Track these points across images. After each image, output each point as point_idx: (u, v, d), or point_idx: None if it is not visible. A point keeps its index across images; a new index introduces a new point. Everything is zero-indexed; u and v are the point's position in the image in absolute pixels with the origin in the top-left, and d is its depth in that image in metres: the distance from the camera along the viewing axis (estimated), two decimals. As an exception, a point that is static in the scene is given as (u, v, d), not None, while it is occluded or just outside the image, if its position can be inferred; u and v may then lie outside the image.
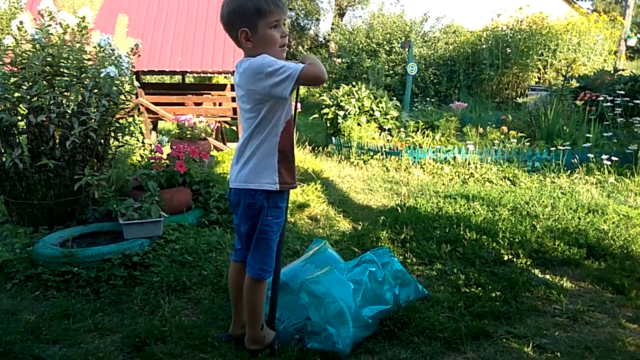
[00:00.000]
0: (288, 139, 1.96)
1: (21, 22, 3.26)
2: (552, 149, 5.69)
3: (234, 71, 7.61)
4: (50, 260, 2.73)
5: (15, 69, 3.26)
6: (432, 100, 12.05)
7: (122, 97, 3.61)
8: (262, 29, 1.82)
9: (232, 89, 8.39)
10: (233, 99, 7.62)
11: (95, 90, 3.36)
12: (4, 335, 2.17)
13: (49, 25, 3.31)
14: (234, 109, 7.53)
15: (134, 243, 2.92)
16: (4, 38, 3.29)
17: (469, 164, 5.68)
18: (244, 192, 1.95)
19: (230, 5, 1.83)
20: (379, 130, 7.17)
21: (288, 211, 2.27)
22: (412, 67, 10.30)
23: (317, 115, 7.59)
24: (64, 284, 2.66)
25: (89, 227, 3.27)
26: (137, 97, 6.64)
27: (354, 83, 7.71)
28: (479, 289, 2.68)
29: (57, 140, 3.38)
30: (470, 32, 14.71)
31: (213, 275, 2.79)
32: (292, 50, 24.04)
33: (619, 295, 2.70)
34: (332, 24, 23.22)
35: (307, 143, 6.92)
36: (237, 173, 1.97)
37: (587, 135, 5.99)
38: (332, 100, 7.37)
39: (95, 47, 3.51)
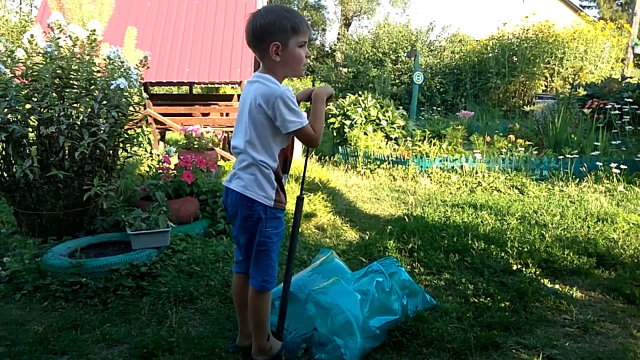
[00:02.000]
0: (285, 163, 2.00)
1: (32, 35, 3.31)
2: (560, 157, 5.66)
3: (240, 82, 7.66)
4: (58, 270, 2.75)
5: (26, 81, 3.31)
6: (439, 109, 12.06)
7: (131, 108, 3.65)
8: (292, 46, 1.89)
9: (239, 99, 8.45)
10: (240, 109, 7.66)
11: (105, 102, 3.40)
12: (13, 346, 2.18)
13: (59, 38, 3.36)
14: (241, 119, 7.56)
15: (141, 253, 2.93)
16: (16, 51, 3.34)
17: (477, 172, 5.66)
18: (241, 203, 1.94)
19: (265, 19, 1.88)
20: (386, 140, 7.18)
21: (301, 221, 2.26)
22: (418, 76, 10.33)
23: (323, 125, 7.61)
24: (72, 294, 2.67)
25: (97, 238, 3.29)
26: (145, 108, 6.70)
27: (360, 92, 7.74)
28: (488, 299, 2.66)
29: (67, 152, 3.41)
30: (477, 40, 14.75)
31: (220, 285, 2.79)
32: (298, 60, 24.16)
33: (630, 305, 2.66)
34: (338, 34, 23.36)
35: (313, 152, 6.94)
36: (236, 177, 1.96)
37: (596, 143, 5.96)
38: (338, 109, 7.39)
39: (104, 59, 3.55)
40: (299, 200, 2.18)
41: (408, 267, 3.11)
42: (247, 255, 2.05)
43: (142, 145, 3.82)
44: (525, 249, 3.26)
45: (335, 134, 7.40)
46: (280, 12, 1.89)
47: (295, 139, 2.05)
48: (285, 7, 1.96)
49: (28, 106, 3.26)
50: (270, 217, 1.95)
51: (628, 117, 6.50)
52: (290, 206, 4.30)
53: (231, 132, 8.08)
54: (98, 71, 3.51)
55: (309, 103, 2.11)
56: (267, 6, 1.96)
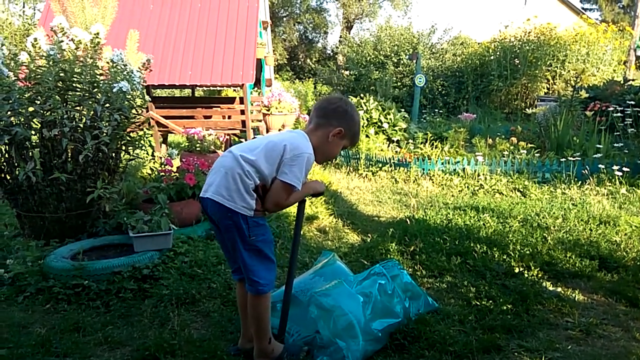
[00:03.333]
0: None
1: (35, 39, 3.33)
2: (563, 159, 5.65)
3: (242, 84, 7.67)
4: (61, 273, 2.75)
5: (30, 84, 3.33)
6: (441, 111, 12.06)
7: (134, 111, 3.66)
8: (343, 142, 2.12)
9: (241, 102, 8.46)
10: (242, 112, 7.68)
11: (107, 105, 3.41)
12: (16, 349, 2.18)
13: (62, 42, 3.38)
14: (243, 122, 7.59)
15: (143, 256, 2.94)
16: (19, 54, 3.36)
17: (479, 175, 5.65)
18: (220, 213, 1.94)
19: (354, 110, 2.12)
20: (388, 142, 7.18)
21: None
22: (420, 78, 10.33)
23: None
24: (74, 296, 2.68)
25: (100, 240, 3.30)
26: (147, 111, 6.72)
27: (362, 95, 7.74)
28: (490, 301, 2.66)
29: (70, 154, 3.43)
30: (478, 43, 14.75)
31: (222, 288, 2.80)
32: (300, 62, 24.22)
33: (632, 308, 2.65)
34: (340, 36, 23.40)
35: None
36: (215, 186, 1.95)
37: (598, 145, 5.95)
38: (340, 112, 7.38)
39: (107, 62, 3.57)
40: (301, 203, 2.18)
41: (410, 269, 3.10)
42: (238, 262, 2.04)
43: (144, 147, 3.83)
44: (528, 252, 3.25)
45: (337, 136, 7.39)
46: (359, 119, 2.16)
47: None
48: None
49: (31, 109, 3.27)
50: (253, 225, 1.95)
51: (630, 119, 6.49)
52: (292, 209, 4.29)
53: (233, 134, 8.11)
54: (101, 74, 3.52)
55: None
56: (353, 104, 2.16)
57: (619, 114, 6.59)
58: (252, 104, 8.71)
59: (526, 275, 3.00)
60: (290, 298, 2.18)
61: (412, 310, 2.45)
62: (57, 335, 2.31)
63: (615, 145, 6.02)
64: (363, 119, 7.14)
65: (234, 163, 1.95)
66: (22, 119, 3.25)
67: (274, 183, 1.97)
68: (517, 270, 3.07)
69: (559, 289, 2.87)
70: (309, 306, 2.21)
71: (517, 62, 11.87)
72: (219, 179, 1.96)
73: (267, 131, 7.84)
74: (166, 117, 7.32)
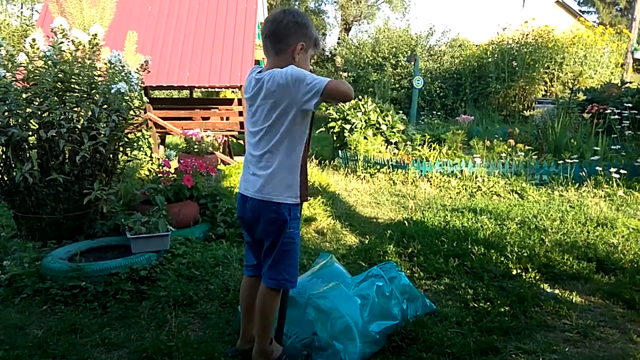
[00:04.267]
0: (305, 153, 1.99)
1: (34, 40, 3.32)
2: (560, 162, 5.67)
3: (241, 86, 7.67)
4: (58, 274, 2.75)
5: (27, 85, 3.32)
6: (439, 113, 12.07)
7: (132, 112, 3.65)
8: (308, 54, 1.99)
9: (239, 104, 8.46)
10: (240, 113, 7.68)
11: (105, 106, 3.40)
12: (12, 350, 2.17)
13: (61, 43, 3.37)
14: (241, 123, 7.58)
15: (141, 257, 2.93)
16: (17, 55, 3.35)
17: (476, 177, 5.66)
18: (265, 208, 1.93)
19: (300, 18, 1.95)
20: (386, 144, 7.18)
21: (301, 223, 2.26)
22: (418, 80, 10.35)
23: (323, 129, 7.63)
24: (71, 298, 2.67)
25: (97, 242, 3.29)
26: (145, 112, 6.71)
27: (360, 97, 7.74)
28: (488, 303, 2.66)
29: (67, 155, 3.42)
30: (476, 45, 14.78)
31: (220, 289, 2.79)
32: (298, 64, 24.18)
33: (629, 310, 2.66)
34: (339, 38, 23.42)
35: (313, 156, 6.95)
36: (258, 185, 1.93)
37: (595, 148, 5.96)
38: (338, 113, 7.40)
39: (105, 63, 3.56)
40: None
41: (408, 271, 3.10)
42: (265, 258, 2.02)
43: (142, 149, 3.82)
44: (525, 254, 3.25)
45: (335, 138, 7.40)
46: (310, 21, 1.99)
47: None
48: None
49: (28, 110, 3.26)
50: (294, 217, 1.96)
51: (627, 121, 6.51)
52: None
53: (231, 135, 8.10)
54: (99, 75, 3.51)
55: None
56: (297, 10, 2.03)
57: (616, 117, 6.61)
58: (250, 106, 8.69)
59: (524, 277, 3.01)
60: (288, 300, 2.18)
61: (410, 312, 2.45)
62: (54, 337, 2.30)
63: (612, 147, 6.03)
64: (361, 120, 7.15)
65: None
66: (20, 120, 3.25)
67: (310, 125, 1.96)
68: (514, 272, 3.07)
69: (557, 291, 2.87)
70: (306, 308, 2.21)
71: (515, 64, 11.90)
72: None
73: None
74: (164, 119, 7.32)
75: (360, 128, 7.12)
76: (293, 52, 1.92)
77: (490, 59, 12.74)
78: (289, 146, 1.90)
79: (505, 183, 5.45)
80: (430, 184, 5.73)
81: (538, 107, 9.53)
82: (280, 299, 2.13)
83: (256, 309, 2.05)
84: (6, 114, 3.16)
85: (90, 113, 3.32)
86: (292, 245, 1.99)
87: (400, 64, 14.04)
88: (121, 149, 3.72)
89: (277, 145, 1.90)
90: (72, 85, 3.40)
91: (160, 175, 3.80)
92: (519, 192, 5.24)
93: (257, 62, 9.32)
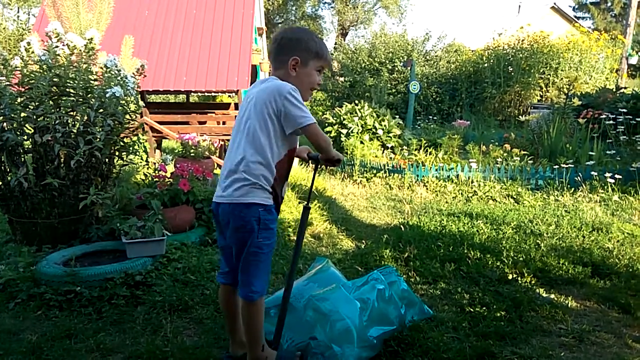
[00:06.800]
0: (286, 167, 2.01)
1: (29, 44, 3.32)
2: (555, 166, 5.69)
3: (237, 90, 7.67)
4: (53, 279, 2.73)
5: (22, 89, 3.31)
6: (435, 118, 12.11)
7: (127, 116, 3.65)
8: (310, 67, 2.02)
9: (236, 108, 8.45)
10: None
11: (101, 110, 3.40)
12: (6, 356, 2.16)
13: (57, 47, 3.37)
14: (238, 128, 7.57)
15: (136, 262, 2.92)
16: (12, 59, 3.35)
17: (472, 182, 5.67)
18: (234, 214, 1.93)
19: (295, 34, 2.06)
20: (382, 148, 7.20)
21: (296, 229, 2.26)
22: (414, 85, 10.38)
23: (320, 134, 7.63)
24: (66, 303, 2.65)
25: (92, 246, 3.28)
26: (141, 116, 6.70)
27: (356, 101, 7.77)
28: (484, 308, 2.66)
29: (62, 160, 3.41)
30: (472, 50, 14.85)
31: (216, 294, 2.77)
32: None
33: (625, 314, 2.67)
34: (335, 43, 23.48)
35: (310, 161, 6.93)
36: (227, 188, 1.94)
37: (590, 153, 5.99)
38: (335, 118, 7.42)
39: (101, 67, 3.56)
40: (305, 210, 2.19)
41: (404, 276, 3.10)
42: (234, 266, 2.03)
43: (138, 153, 3.81)
44: (521, 259, 3.26)
45: (331, 142, 7.41)
46: (309, 34, 2.06)
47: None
48: (315, 34, 2.13)
49: (23, 114, 3.25)
50: (263, 227, 1.93)
51: (622, 127, 6.55)
52: (292, 215, 4.30)
53: (228, 140, 8.09)
54: (95, 79, 3.51)
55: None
56: (299, 27, 2.12)
57: (611, 122, 6.66)
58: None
59: (519, 282, 3.01)
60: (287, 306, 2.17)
61: (407, 317, 2.45)
62: (49, 342, 2.28)
63: (607, 152, 6.06)
64: (358, 125, 7.16)
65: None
66: (15, 125, 3.23)
67: (294, 144, 2.03)
68: (510, 276, 3.07)
69: (552, 296, 2.88)
70: (306, 310, 2.20)
71: (511, 69, 11.96)
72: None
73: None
74: (160, 123, 7.31)
75: (357, 133, 7.13)
76: (288, 67, 1.99)
77: (486, 64, 12.80)
78: (267, 154, 1.93)
79: (501, 188, 5.47)
80: (427, 189, 5.74)
81: (534, 112, 9.58)
82: (280, 305, 2.12)
83: (239, 319, 2.06)
84: (1, 118, 3.15)
85: (85, 117, 3.31)
86: (260, 255, 1.96)
87: (396, 69, 14.08)
88: (117, 153, 3.71)
89: (253, 149, 1.93)
90: (68, 90, 3.40)
91: (156, 179, 3.79)
92: (515, 196, 5.26)
93: (254, 67, 9.34)
